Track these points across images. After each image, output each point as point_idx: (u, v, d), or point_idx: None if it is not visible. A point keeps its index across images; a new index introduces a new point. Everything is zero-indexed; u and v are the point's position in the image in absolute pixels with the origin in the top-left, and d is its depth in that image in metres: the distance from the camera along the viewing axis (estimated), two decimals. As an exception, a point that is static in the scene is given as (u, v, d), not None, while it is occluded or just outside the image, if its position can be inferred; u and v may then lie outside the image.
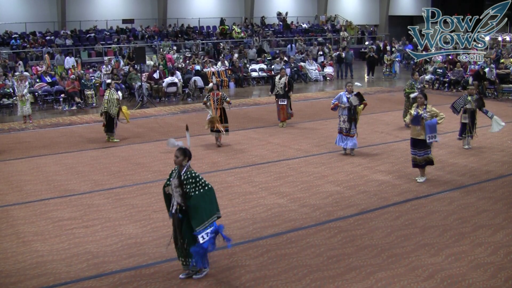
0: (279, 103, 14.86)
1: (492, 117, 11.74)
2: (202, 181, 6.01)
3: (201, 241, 5.91)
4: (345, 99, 11.31)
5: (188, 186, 5.95)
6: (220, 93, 12.68)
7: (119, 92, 14.45)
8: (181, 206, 6.00)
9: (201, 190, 5.96)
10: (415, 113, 9.49)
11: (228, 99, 12.76)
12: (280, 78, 14.84)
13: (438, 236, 7.36)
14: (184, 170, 6.03)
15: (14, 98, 18.68)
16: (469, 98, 11.93)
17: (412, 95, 10.27)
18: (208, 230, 5.95)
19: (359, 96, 11.25)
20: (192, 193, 5.94)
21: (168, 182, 6.17)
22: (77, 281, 6.29)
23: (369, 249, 6.98)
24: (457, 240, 7.24)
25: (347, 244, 7.15)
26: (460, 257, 6.71)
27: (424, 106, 9.51)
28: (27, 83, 17.41)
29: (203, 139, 13.54)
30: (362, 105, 11.34)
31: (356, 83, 12.24)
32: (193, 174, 6.00)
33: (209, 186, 6.05)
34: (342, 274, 6.32)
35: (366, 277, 6.25)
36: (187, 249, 6.05)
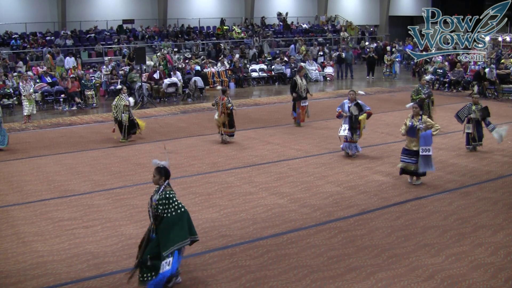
0: (302, 104, 14.79)
1: (492, 131, 11.61)
2: (176, 203, 5.72)
3: (161, 270, 5.65)
4: (346, 108, 11.25)
5: (161, 207, 5.70)
6: (225, 98, 12.83)
7: (130, 98, 13.86)
8: (156, 226, 5.80)
9: (173, 213, 5.67)
10: (410, 124, 9.36)
11: (229, 105, 12.80)
12: (301, 79, 14.84)
13: (439, 237, 7.36)
14: (161, 189, 5.81)
15: (14, 98, 18.74)
16: (474, 107, 11.69)
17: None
18: (169, 259, 5.67)
19: (358, 105, 11.17)
20: (164, 215, 5.69)
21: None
22: (77, 281, 6.29)
23: (369, 250, 6.98)
24: (457, 240, 7.23)
25: (347, 245, 7.15)
26: (460, 257, 6.71)
27: (420, 117, 9.34)
28: (32, 82, 17.43)
29: (203, 139, 13.56)
30: (365, 114, 11.23)
31: (359, 91, 12.16)
32: (167, 195, 5.72)
33: (182, 209, 5.75)
34: (343, 275, 6.32)
35: (367, 277, 6.25)
36: (149, 266, 5.70)
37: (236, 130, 13.27)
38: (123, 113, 13.20)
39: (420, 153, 9.24)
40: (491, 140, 12.47)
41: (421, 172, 9.50)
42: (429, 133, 9.22)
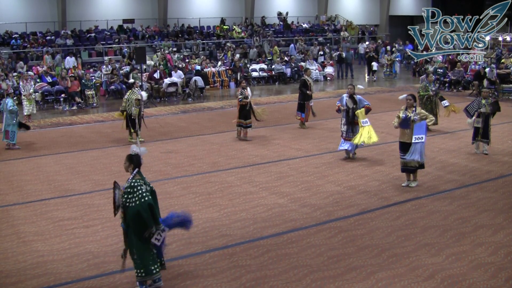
0: (310, 104, 14.77)
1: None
2: (140, 192, 5.66)
3: (157, 243, 5.75)
4: (344, 102, 11.26)
5: (125, 196, 5.70)
6: (239, 89, 13.36)
7: (143, 93, 13.75)
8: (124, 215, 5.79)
9: (137, 202, 5.63)
10: (404, 116, 9.32)
11: (240, 96, 13.18)
12: (310, 79, 14.92)
13: (439, 236, 7.36)
14: (130, 178, 5.80)
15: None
16: (484, 101, 11.50)
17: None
18: (160, 236, 5.71)
19: (352, 98, 11.17)
20: (128, 204, 5.68)
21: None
22: (77, 281, 6.29)
23: (369, 249, 6.98)
24: (457, 240, 7.24)
25: (347, 244, 7.15)
26: (460, 257, 6.71)
27: (413, 109, 9.31)
28: (32, 82, 17.42)
29: (203, 139, 13.56)
30: (363, 109, 11.18)
31: (359, 86, 12.17)
32: (133, 184, 5.71)
33: (146, 199, 5.67)
34: (343, 274, 6.32)
35: (367, 277, 6.25)
36: (136, 259, 5.79)
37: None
38: (133, 107, 13.13)
39: (413, 141, 9.20)
40: (491, 140, 12.47)
41: (421, 162, 9.39)
42: (423, 123, 9.25)
